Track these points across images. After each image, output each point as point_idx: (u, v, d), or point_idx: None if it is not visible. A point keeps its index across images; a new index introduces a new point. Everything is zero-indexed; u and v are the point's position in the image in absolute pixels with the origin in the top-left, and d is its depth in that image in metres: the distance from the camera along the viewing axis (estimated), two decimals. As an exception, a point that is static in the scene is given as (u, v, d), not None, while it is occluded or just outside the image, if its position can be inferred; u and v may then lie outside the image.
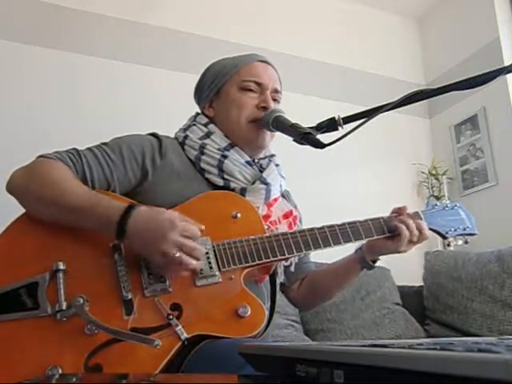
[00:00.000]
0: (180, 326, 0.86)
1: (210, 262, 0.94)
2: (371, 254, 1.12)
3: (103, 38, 2.25)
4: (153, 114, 2.14)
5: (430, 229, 1.13)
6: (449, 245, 2.48)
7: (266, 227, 1.04)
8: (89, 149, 1.03)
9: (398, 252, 1.09)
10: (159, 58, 2.33)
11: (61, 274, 0.88)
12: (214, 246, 0.96)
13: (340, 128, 1.01)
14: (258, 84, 1.13)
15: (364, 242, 1.10)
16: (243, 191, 1.08)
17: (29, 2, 2.13)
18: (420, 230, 1.07)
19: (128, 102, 2.19)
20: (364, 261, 1.13)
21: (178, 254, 0.85)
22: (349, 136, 0.92)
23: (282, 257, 0.99)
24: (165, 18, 2.39)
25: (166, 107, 2.17)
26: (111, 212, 0.88)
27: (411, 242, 1.07)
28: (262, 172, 1.13)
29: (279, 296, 1.17)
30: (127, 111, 2.15)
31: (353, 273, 1.17)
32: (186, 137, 1.13)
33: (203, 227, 0.92)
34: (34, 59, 2.08)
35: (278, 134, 1.13)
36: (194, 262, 0.88)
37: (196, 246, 0.88)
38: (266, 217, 1.09)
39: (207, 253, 0.94)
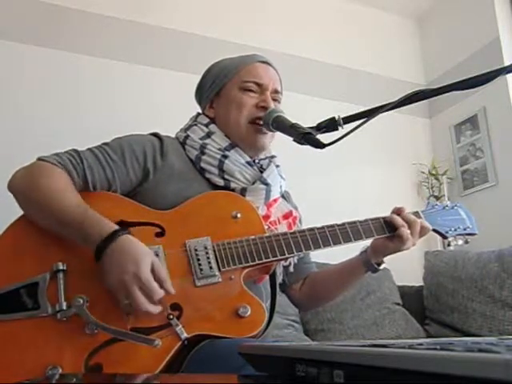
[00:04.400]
0: (180, 326, 0.86)
1: (209, 262, 0.94)
2: (375, 255, 1.12)
3: (103, 38, 2.25)
4: (152, 114, 2.14)
5: (431, 229, 1.12)
6: (449, 245, 2.48)
7: (265, 227, 1.04)
8: (89, 149, 1.03)
9: (400, 250, 1.08)
10: (159, 58, 2.33)
11: (61, 275, 0.88)
12: (213, 246, 0.96)
13: (340, 128, 1.01)
14: (259, 84, 1.14)
15: (364, 241, 1.10)
16: (243, 191, 1.08)
17: (29, 2, 2.13)
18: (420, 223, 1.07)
19: (128, 102, 2.19)
20: (369, 264, 1.12)
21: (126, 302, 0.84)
22: (349, 136, 0.92)
23: (282, 257, 0.99)
24: (164, 17, 2.39)
25: (166, 107, 2.17)
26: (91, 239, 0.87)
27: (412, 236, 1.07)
28: (262, 172, 1.13)
29: (279, 296, 1.17)
30: (127, 111, 2.15)
31: (357, 275, 1.17)
32: (186, 137, 1.13)
33: (171, 290, 0.87)
34: (34, 59, 2.08)
35: (278, 133, 1.13)
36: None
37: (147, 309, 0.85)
38: (266, 217, 1.09)
39: (207, 253, 0.95)
